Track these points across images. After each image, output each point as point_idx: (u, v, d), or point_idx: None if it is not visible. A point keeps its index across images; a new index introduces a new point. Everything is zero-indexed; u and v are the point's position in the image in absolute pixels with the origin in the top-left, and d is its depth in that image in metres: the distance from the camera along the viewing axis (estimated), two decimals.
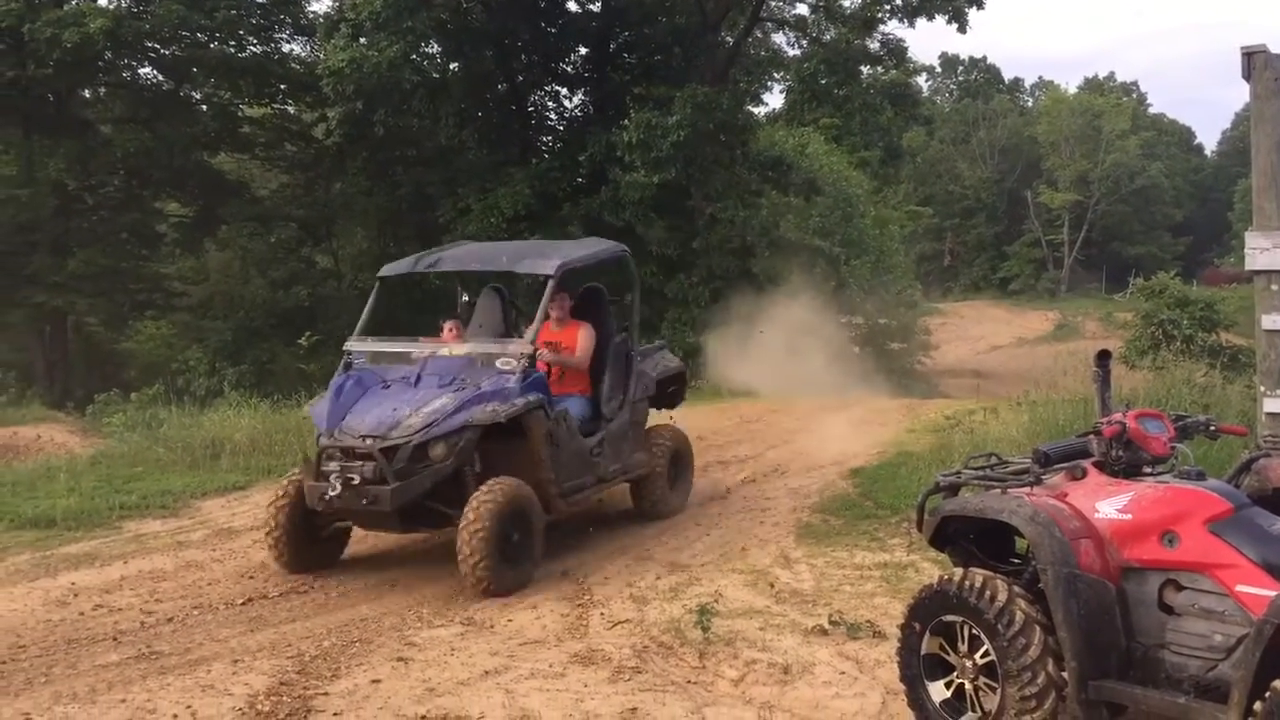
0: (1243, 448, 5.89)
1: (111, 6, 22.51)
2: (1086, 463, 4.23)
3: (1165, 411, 4.53)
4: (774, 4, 25.74)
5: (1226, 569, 3.69)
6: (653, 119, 19.96)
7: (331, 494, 6.62)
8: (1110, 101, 61.99)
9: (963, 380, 28.56)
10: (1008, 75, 73.74)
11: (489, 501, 6.52)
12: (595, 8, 24.21)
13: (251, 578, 7.16)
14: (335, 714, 4.85)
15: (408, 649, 5.66)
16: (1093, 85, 68.86)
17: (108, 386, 18.86)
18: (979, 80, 70.78)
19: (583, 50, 24.70)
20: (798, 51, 26.87)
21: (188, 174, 24.46)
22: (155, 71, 24.91)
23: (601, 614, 6.24)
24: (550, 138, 25.59)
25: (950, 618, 4.17)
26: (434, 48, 22.86)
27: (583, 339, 8.05)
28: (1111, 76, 72.49)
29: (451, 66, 23.57)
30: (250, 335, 23.08)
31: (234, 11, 23.01)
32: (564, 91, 25.48)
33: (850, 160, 29.53)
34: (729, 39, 23.95)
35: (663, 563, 7.35)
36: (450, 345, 7.53)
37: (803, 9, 25.55)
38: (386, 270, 8.40)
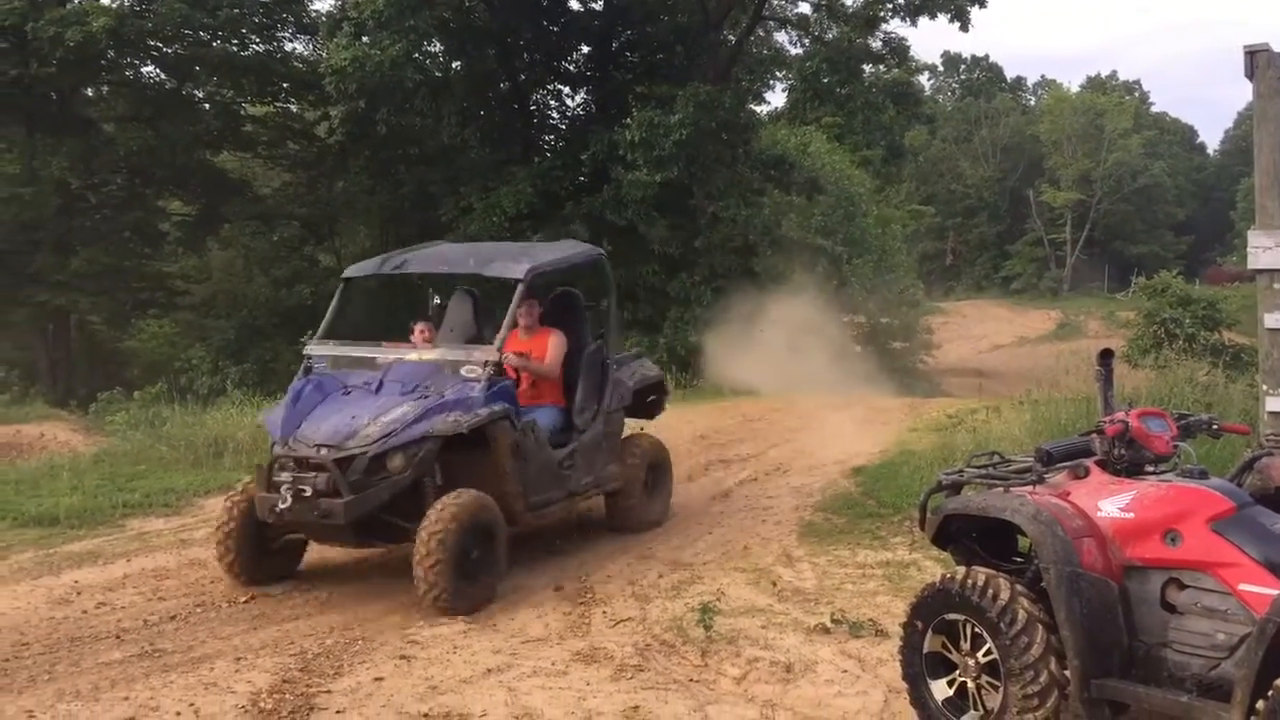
0: (1245, 446, 5.88)
1: (114, 5, 22.53)
2: (1089, 461, 4.23)
3: (1168, 410, 4.53)
4: (776, 2, 25.76)
5: (1229, 568, 3.69)
6: (655, 118, 19.96)
7: (282, 506, 6.27)
8: (1112, 100, 61.86)
9: (965, 379, 28.55)
10: (1010, 74, 73.83)
11: (446, 516, 6.16)
12: (597, 6, 24.23)
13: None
14: (338, 712, 4.86)
15: (410, 647, 5.66)
16: (1095, 84, 68.75)
17: (111, 385, 18.90)
18: (981, 79, 70.69)
19: (585, 49, 24.71)
20: (800, 50, 26.89)
21: (190, 173, 24.48)
22: (158, 70, 24.95)
23: (604, 612, 6.24)
24: (552, 136, 25.61)
25: (953, 616, 4.17)
26: (436, 46, 22.90)
27: (553, 346, 7.70)
28: (1114, 75, 72.49)
29: (454, 65, 23.59)
30: (253, 334, 23.11)
31: (236, 10, 23.01)
32: (566, 90, 25.55)
33: (852, 159, 29.53)
34: (731, 37, 23.95)
35: (665, 561, 7.36)
36: (416, 350, 7.20)
37: (805, 7, 25.60)
38: (351, 271, 8.12)
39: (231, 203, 24.58)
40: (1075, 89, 66.53)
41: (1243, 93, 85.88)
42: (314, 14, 24.61)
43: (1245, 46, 6.92)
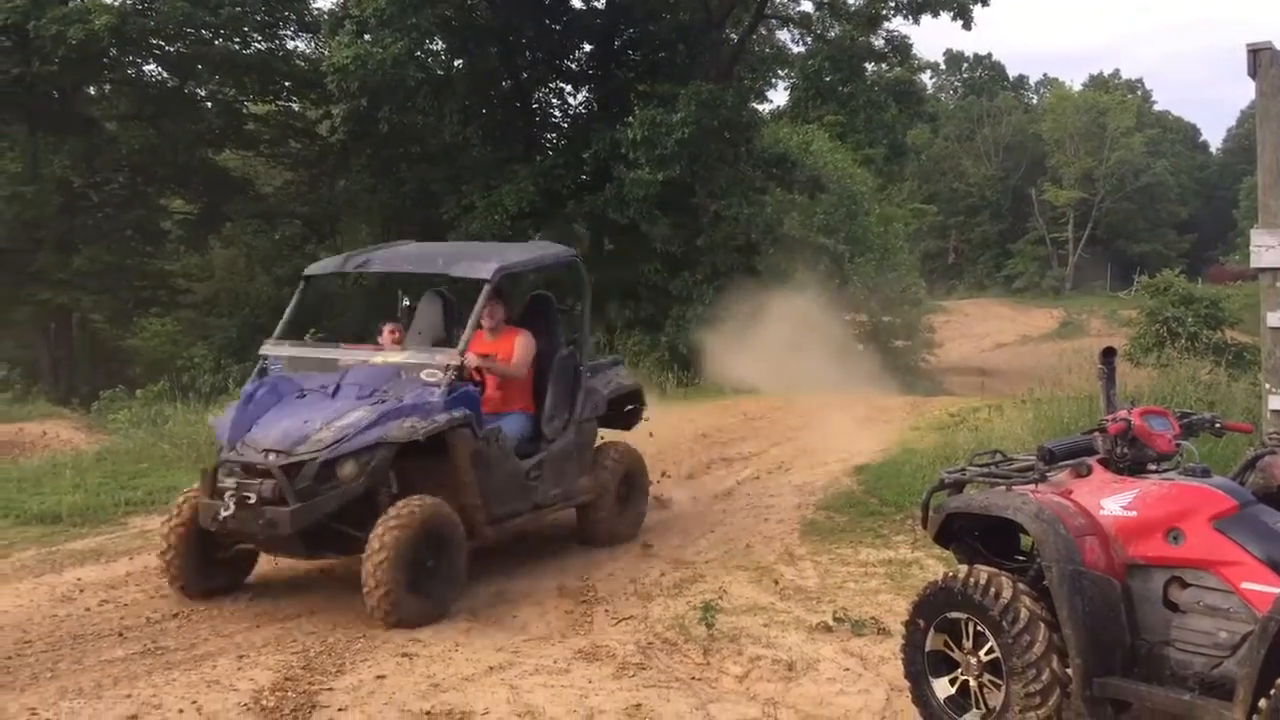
0: (1248, 445, 5.87)
1: (116, 3, 22.50)
2: (1091, 460, 4.23)
3: (1170, 409, 4.53)
4: (778, 1, 25.74)
5: (1232, 566, 3.69)
6: (657, 116, 19.95)
7: (225, 514, 5.97)
8: (1115, 99, 61.84)
9: (967, 378, 28.54)
10: (1012, 72, 73.64)
11: (398, 525, 5.86)
12: (600, 4, 24.21)
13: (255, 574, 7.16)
14: (340, 709, 4.86)
15: (412, 645, 5.66)
16: (1097, 82, 68.73)
17: (113, 383, 18.87)
18: (983, 77, 70.63)
19: (587, 47, 24.68)
20: (802, 48, 26.92)
21: (192, 171, 24.48)
22: (160, 68, 24.95)
23: (606, 610, 6.24)
24: (555, 135, 25.59)
25: (955, 614, 4.17)
26: (438, 44, 22.87)
27: (519, 347, 7.26)
28: (1116, 74, 72.56)
29: (456, 63, 23.56)
30: (255, 332, 22.85)
31: (238, 8, 23.00)
32: (568, 88, 25.50)
33: (855, 157, 29.51)
34: (733, 36, 23.95)
35: (667, 559, 7.36)
36: (380, 352, 6.90)
37: (807, 6, 25.64)
38: (313, 269, 7.87)
39: (233, 201, 24.58)
40: (1078, 87, 66.65)
41: (1245, 91, 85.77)
42: (316, 12, 24.62)
43: (1248, 45, 6.91)
